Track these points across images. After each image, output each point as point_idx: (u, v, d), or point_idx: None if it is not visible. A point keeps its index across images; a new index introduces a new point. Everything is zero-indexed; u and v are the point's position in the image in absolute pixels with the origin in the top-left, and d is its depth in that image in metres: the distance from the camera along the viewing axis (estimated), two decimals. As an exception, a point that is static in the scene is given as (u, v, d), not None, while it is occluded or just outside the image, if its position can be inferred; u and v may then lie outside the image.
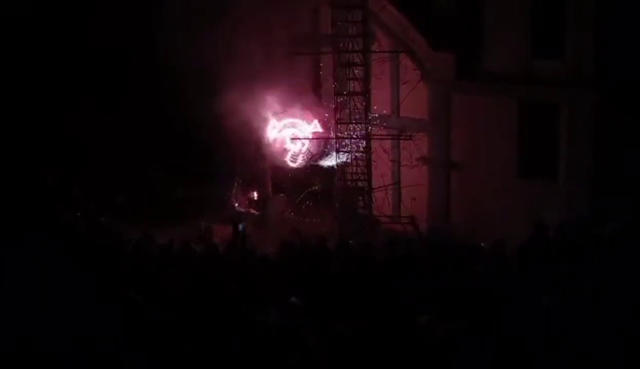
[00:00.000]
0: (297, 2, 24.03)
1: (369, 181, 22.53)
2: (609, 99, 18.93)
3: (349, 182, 22.51)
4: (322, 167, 23.53)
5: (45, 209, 16.79)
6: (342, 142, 22.27)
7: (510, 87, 20.63)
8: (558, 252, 10.97)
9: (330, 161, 23.16)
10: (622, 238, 10.79)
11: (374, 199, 22.67)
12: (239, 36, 22.71)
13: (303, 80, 23.82)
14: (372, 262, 12.00)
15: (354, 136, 22.12)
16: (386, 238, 14.82)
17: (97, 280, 10.82)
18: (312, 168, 23.65)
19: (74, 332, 8.92)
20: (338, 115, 22.17)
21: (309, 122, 23.56)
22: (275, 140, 23.65)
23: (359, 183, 22.45)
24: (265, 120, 23.51)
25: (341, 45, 21.88)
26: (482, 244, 12.74)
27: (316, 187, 23.74)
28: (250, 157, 23.71)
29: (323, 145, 23.46)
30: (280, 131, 23.63)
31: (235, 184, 24.01)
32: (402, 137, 22.42)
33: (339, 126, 22.22)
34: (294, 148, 23.65)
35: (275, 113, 23.53)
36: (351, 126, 22.10)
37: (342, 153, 22.35)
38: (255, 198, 24.12)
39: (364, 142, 22.24)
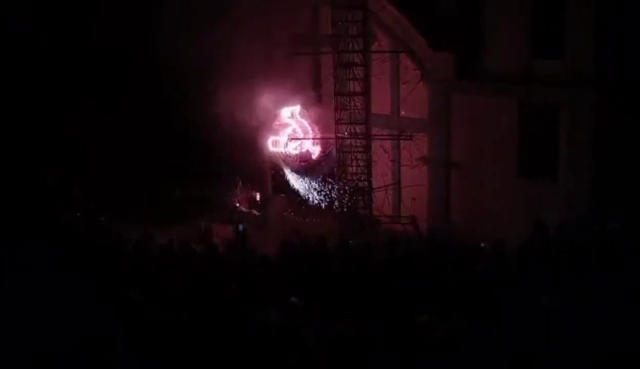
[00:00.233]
0: (297, 2, 24.03)
1: (369, 181, 22.53)
2: (609, 99, 18.93)
3: (349, 182, 22.51)
4: (322, 167, 23.52)
5: (45, 209, 16.78)
6: (342, 142, 22.27)
7: (510, 87, 20.63)
8: (558, 252, 10.97)
9: (330, 161, 23.16)
10: (622, 238, 10.80)
11: (374, 199, 22.68)
12: (239, 36, 22.71)
13: (303, 80, 23.82)
14: (372, 262, 12.00)
15: (354, 136, 22.11)
16: (386, 238, 14.82)
17: (97, 280, 10.82)
18: (312, 168, 23.64)
19: (74, 332, 8.92)
20: (338, 115, 22.17)
21: (309, 122, 23.56)
22: (275, 140, 23.64)
23: (359, 183, 22.44)
24: (265, 120, 23.50)
25: (341, 45, 21.87)
26: (482, 244, 12.73)
27: (316, 187, 23.75)
28: (250, 157, 23.70)
29: (323, 145, 23.46)
30: (280, 131, 23.62)
31: (237, 184, 23.98)
32: (402, 137, 22.42)
33: (339, 126, 22.22)
34: (294, 148, 23.63)
35: (275, 113, 23.53)
36: (351, 126, 22.11)
37: (342, 153, 22.35)
38: (258, 198, 24.09)
39: (364, 142, 22.24)
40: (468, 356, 8.15)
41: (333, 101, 22.36)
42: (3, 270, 10.66)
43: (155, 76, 23.51)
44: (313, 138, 23.44)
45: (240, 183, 24.02)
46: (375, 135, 22.74)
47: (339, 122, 22.18)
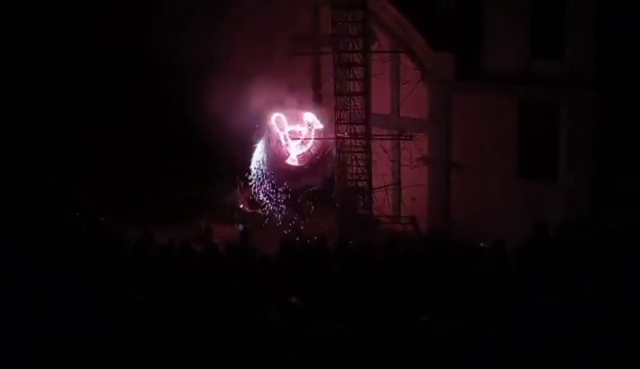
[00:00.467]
0: (297, 2, 24.02)
1: (369, 181, 22.52)
2: (609, 99, 18.92)
3: (349, 182, 22.50)
4: (322, 167, 23.52)
5: (45, 209, 16.78)
6: (342, 142, 22.26)
7: (510, 87, 20.62)
8: (558, 252, 10.97)
9: (330, 161, 23.15)
10: (622, 238, 10.80)
11: (374, 199, 22.67)
12: (239, 36, 22.71)
13: (303, 80, 23.81)
14: (372, 262, 12.00)
15: (354, 136, 22.10)
16: (386, 238, 14.82)
17: (97, 280, 10.82)
18: (312, 168, 23.64)
19: (74, 332, 8.92)
20: (338, 115, 22.16)
21: (309, 122, 23.55)
22: (275, 140, 23.64)
23: (359, 183, 22.43)
24: (265, 120, 23.50)
25: (341, 45, 21.87)
26: (482, 244, 12.74)
27: (316, 187, 23.74)
28: (250, 157, 23.69)
29: (323, 145, 23.45)
30: (280, 131, 23.62)
31: (239, 185, 23.96)
32: (402, 137, 22.41)
33: (339, 126, 22.21)
34: (294, 148, 23.63)
35: (275, 113, 23.53)
36: (351, 126, 22.09)
37: (342, 153, 22.33)
38: (261, 199, 24.05)
39: (364, 142, 22.23)
40: (468, 356, 8.15)
41: (333, 101, 22.35)
42: (3, 270, 10.66)
43: (155, 76, 23.51)
44: (313, 139, 23.42)
45: (242, 183, 24.00)
46: (375, 135, 22.73)
47: (339, 122, 22.17)
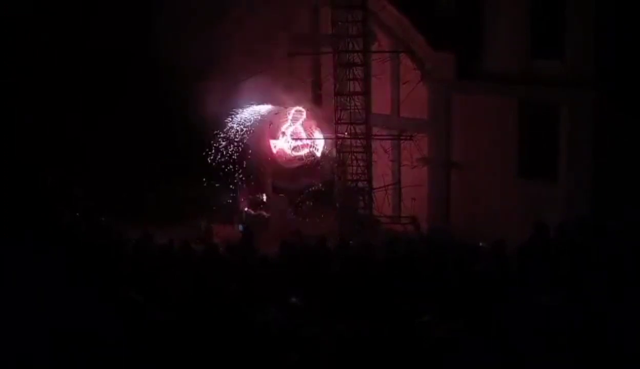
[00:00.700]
0: (297, 2, 24.02)
1: (369, 181, 22.53)
2: (609, 99, 18.92)
3: (349, 182, 22.51)
4: (322, 167, 23.51)
5: (45, 209, 16.78)
6: (342, 142, 22.26)
7: (510, 87, 20.62)
8: (558, 252, 10.97)
9: (330, 161, 23.15)
10: (622, 238, 10.80)
11: (374, 199, 22.67)
12: (239, 36, 22.71)
13: (303, 80, 23.81)
14: (372, 262, 12.00)
15: (354, 136, 22.10)
16: (386, 238, 14.82)
17: (97, 280, 10.82)
18: (312, 169, 23.63)
19: (74, 332, 8.92)
20: (338, 115, 22.17)
21: (309, 122, 23.55)
22: (275, 140, 23.63)
23: (359, 183, 22.44)
24: (265, 120, 23.51)
25: (341, 45, 21.87)
26: (482, 244, 12.74)
27: (316, 187, 23.74)
28: (250, 157, 23.69)
29: (323, 145, 23.45)
30: (280, 131, 23.61)
31: (243, 186, 23.94)
32: (402, 137, 22.41)
33: (339, 126, 22.22)
34: (294, 148, 23.62)
35: (275, 113, 23.53)
36: (351, 126, 22.09)
37: (342, 153, 22.34)
38: (265, 199, 24.04)
39: (364, 142, 22.24)
40: (468, 356, 8.15)
41: (333, 101, 22.35)
42: (3, 270, 10.66)
43: (155, 76, 23.52)
44: (313, 139, 23.42)
45: (245, 184, 23.99)
46: (375, 135, 22.73)
47: (339, 122, 22.18)
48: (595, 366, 7.85)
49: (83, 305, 9.51)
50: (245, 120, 23.03)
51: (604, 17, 19.06)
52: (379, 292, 10.42)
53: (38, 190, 18.19)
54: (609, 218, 12.48)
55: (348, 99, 21.99)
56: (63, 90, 23.64)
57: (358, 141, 22.25)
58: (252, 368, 8.82)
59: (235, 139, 23.10)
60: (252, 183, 24.22)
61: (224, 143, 23.14)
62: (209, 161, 23.46)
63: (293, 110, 23.29)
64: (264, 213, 23.10)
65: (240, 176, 23.96)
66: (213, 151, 23.17)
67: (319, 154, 23.41)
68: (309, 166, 23.63)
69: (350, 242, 14.82)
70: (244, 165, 23.82)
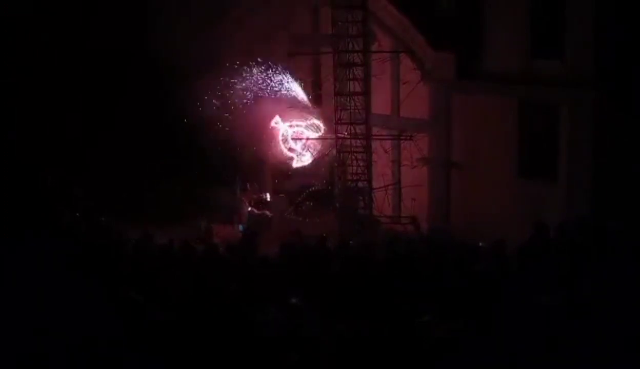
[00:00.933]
0: (297, 2, 24.00)
1: (369, 181, 22.52)
2: (609, 99, 18.92)
3: (349, 182, 22.50)
4: (322, 167, 23.50)
5: (45, 209, 16.79)
6: (342, 142, 22.26)
7: (510, 87, 20.61)
8: (558, 252, 10.97)
9: (330, 161, 23.14)
10: (622, 238, 10.80)
11: (374, 199, 22.66)
12: (239, 36, 22.70)
13: (303, 80, 23.79)
14: (372, 262, 12.01)
15: (354, 136, 22.10)
16: (386, 238, 14.82)
17: (97, 280, 10.82)
18: (312, 169, 23.61)
19: (74, 332, 8.93)
20: (338, 116, 22.16)
21: (309, 122, 23.53)
22: (275, 140, 23.61)
23: (359, 183, 22.43)
24: (265, 120, 23.48)
25: (341, 45, 21.86)
26: (481, 244, 12.74)
27: (316, 187, 23.72)
28: (251, 157, 23.67)
29: (323, 146, 23.44)
30: (280, 131, 23.59)
31: (248, 186, 23.92)
32: (402, 137, 22.41)
33: (339, 126, 22.21)
34: (294, 148, 23.61)
35: (275, 114, 23.49)
36: (351, 126, 22.08)
37: (342, 153, 22.33)
38: (268, 199, 24.01)
39: (364, 142, 22.22)
40: (468, 356, 8.15)
41: (333, 101, 22.34)
42: (3, 270, 10.66)
43: (155, 76, 23.51)
44: (313, 139, 23.40)
45: (249, 184, 23.97)
46: (375, 135, 22.72)
47: (339, 122, 22.17)
48: (595, 366, 7.85)
49: (83, 304, 9.51)
50: (245, 120, 22.99)
51: (604, 17, 19.06)
52: (379, 292, 10.42)
53: (38, 190, 18.19)
54: (609, 218, 12.48)
55: (348, 99, 21.98)
56: (63, 90, 23.63)
57: (358, 141, 22.24)
58: (252, 368, 8.83)
59: (236, 139, 23.07)
60: (255, 183, 24.20)
61: (224, 142, 23.11)
62: (209, 161, 23.45)
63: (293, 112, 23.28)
64: (267, 213, 23.07)
65: (241, 176, 23.95)
66: (213, 151, 23.15)
67: (318, 154, 23.40)
68: (309, 166, 23.61)
69: (350, 242, 14.82)
70: (244, 165, 23.80)
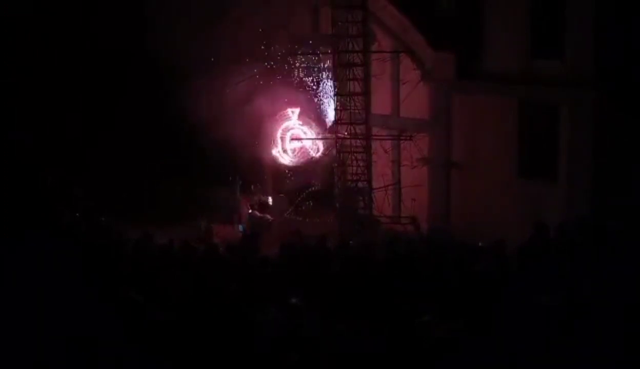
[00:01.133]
0: (297, 2, 24.00)
1: (369, 181, 22.51)
2: (609, 99, 18.92)
3: (349, 182, 22.49)
4: (322, 167, 23.48)
5: (45, 209, 16.79)
6: (342, 142, 22.25)
7: (510, 87, 20.61)
8: (558, 252, 10.98)
9: (330, 161, 23.13)
10: (622, 237, 10.80)
11: (374, 199, 22.66)
12: (239, 36, 22.69)
13: (303, 80, 23.78)
14: (372, 262, 12.01)
15: (354, 136, 22.09)
16: (386, 238, 14.82)
17: (97, 280, 10.82)
18: (312, 169, 23.60)
19: (74, 332, 8.93)
20: (338, 116, 22.16)
21: (309, 122, 23.52)
22: (275, 140, 23.60)
23: (359, 184, 22.42)
24: (265, 121, 23.48)
25: (341, 45, 21.85)
26: (481, 244, 12.74)
27: (316, 187, 23.71)
28: (250, 158, 23.66)
29: (323, 146, 23.42)
30: (280, 131, 23.58)
31: (252, 187, 23.91)
32: (402, 137, 22.40)
33: (339, 126, 22.20)
34: (294, 148, 23.59)
35: (275, 114, 23.49)
36: (351, 126, 22.08)
37: (342, 153, 22.32)
38: (270, 202, 23.97)
39: (364, 142, 22.22)
40: (468, 356, 8.15)
41: (333, 101, 22.35)
42: (3, 270, 10.66)
43: (155, 76, 23.51)
44: (313, 139, 23.38)
45: (251, 186, 23.97)
46: (375, 135, 22.71)
47: (339, 122, 22.16)
48: (595, 366, 7.85)
49: (83, 305, 9.51)
50: (245, 120, 22.98)
51: (604, 17, 19.06)
52: (379, 292, 10.42)
53: (38, 190, 18.19)
54: (609, 218, 12.49)
55: (348, 99, 21.98)
56: (63, 90, 23.63)
57: (358, 141, 22.23)
58: (252, 368, 8.83)
59: (235, 139, 23.06)
60: (258, 184, 24.19)
61: (224, 142, 23.10)
62: (209, 161, 23.45)
63: (290, 111, 23.25)
64: (268, 216, 23.04)
65: (241, 176, 23.94)
66: (213, 151, 23.15)
67: (318, 154, 23.38)
68: (309, 166, 23.59)
69: (350, 242, 14.83)
70: (245, 165, 23.79)
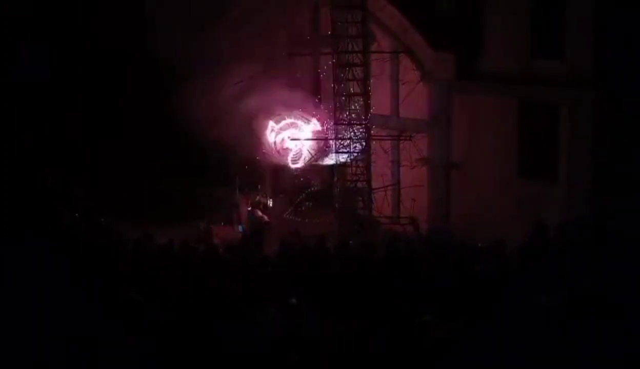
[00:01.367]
0: (297, 2, 24.00)
1: (369, 181, 22.50)
2: (609, 99, 18.92)
3: (348, 183, 22.49)
4: (321, 167, 23.48)
5: (45, 209, 16.79)
6: (342, 142, 22.24)
7: (510, 87, 20.60)
8: (558, 252, 10.97)
9: (329, 161, 23.12)
10: (622, 237, 10.80)
11: (373, 199, 22.65)
12: (239, 36, 22.68)
13: (302, 80, 23.79)
14: (372, 262, 12.01)
15: (354, 137, 22.08)
16: (386, 238, 14.82)
17: (97, 280, 10.83)
18: (311, 169, 23.60)
19: (74, 332, 8.93)
20: (338, 116, 22.15)
21: (309, 123, 23.52)
22: (274, 140, 23.60)
23: (359, 184, 22.41)
24: (264, 121, 23.48)
25: (341, 45, 21.84)
26: (480, 244, 12.74)
27: (316, 187, 23.70)
28: (250, 158, 23.66)
29: (323, 146, 23.42)
30: (279, 131, 23.58)
31: (259, 187, 23.91)
32: (402, 138, 22.39)
33: (338, 127, 22.19)
34: (293, 148, 23.58)
35: (275, 114, 23.49)
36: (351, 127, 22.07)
37: (341, 153, 22.31)
38: (270, 204, 23.96)
39: (364, 143, 22.21)
40: (468, 356, 8.15)
41: (332, 101, 22.33)
42: (3, 270, 10.67)
43: (155, 76, 23.51)
44: (313, 139, 23.38)
45: (254, 186, 23.97)
46: (374, 135, 22.70)
47: (338, 122, 22.15)
48: (595, 366, 7.85)
49: (83, 304, 9.51)
50: (244, 120, 22.97)
51: (604, 17, 19.06)
52: (379, 292, 10.42)
53: (38, 190, 18.20)
54: (609, 218, 12.49)
55: (348, 100, 21.97)
56: (63, 90, 23.63)
57: (358, 141, 22.21)
58: (252, 368, 8.83)
59: (235, 139, 23.06)
60: (260, 185, 24.20)
61: (223, 143, 23.10)
62: (209, 161, 23.46)
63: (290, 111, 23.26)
64: (265, 217, 23.04)
65: (241, 176, 23.94)
66: (213, 151, 23.15)
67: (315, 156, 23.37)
68: (308, 166, 23.59)
69: (350, 242, 14.83)
70: (245, 165, 23.80)
